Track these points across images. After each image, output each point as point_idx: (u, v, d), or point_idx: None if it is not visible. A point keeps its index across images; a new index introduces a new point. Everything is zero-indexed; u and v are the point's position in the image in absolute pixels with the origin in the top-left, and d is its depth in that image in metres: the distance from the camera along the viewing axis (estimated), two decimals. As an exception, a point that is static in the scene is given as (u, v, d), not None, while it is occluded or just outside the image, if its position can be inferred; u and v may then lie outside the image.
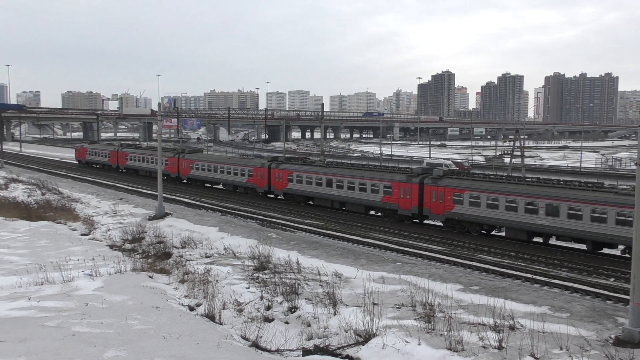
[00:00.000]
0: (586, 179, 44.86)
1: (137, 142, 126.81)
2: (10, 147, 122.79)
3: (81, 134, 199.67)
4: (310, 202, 49.12)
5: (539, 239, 33.23)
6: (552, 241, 32.86)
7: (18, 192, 57.52)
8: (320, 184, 46.74)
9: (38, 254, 30.31)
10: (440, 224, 38.78)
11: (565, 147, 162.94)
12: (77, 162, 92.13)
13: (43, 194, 56.05)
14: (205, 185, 61.42)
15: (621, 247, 29.41)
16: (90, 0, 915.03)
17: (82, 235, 38.25)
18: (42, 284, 22.74)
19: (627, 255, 27.10)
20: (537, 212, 31.71)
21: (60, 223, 41.53)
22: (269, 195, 52.72)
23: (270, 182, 51.50)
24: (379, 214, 43.48)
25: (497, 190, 34.42)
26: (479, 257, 29.42)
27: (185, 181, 64.07)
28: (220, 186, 60.08)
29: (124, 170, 76.07)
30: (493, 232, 36.27)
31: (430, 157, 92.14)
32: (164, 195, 45.59)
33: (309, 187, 47.97)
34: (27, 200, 50.97)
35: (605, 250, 30.12)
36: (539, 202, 31.75)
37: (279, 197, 51.75)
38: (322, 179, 46.63)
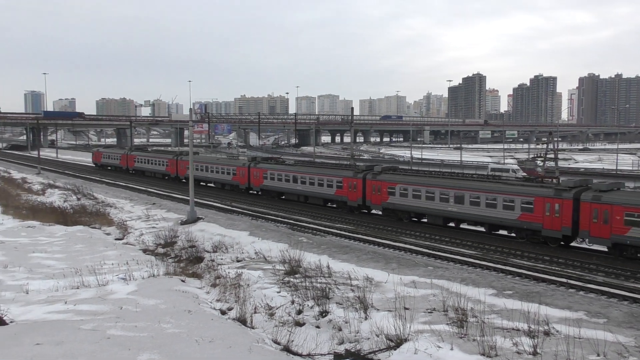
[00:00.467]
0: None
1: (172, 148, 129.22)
2: (46, 153, 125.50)
3: (115, 139, 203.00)
4: (282, 197, 53.93)
5: (452, 224, 39.03)
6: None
7: (54, 198, 58.71)
8: (289, 181, 52.35)
9: (74, 258, 30.88)
10: (380, 212, 44.30)
11: (586, 150, 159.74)
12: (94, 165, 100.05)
13: (78, 199, 57.09)
14: (201, 183, 65.21)
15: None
16: (122, 9, 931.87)
17: (116, 239, 38.82)
18: (77, 288, 23.14)
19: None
20: (448, 201, 37.85)
21: (95, 228, 42.22)
22: (250, 192, 58.70)
23: (250, 179, 57.55)
24: (334, 205, 48.67)
25: (419, 183, 40.47)
26: (512, 262, 28.99)
27: (183, 180, 67.46)
28: (212, 184, 65.78)
29: (132, 172, 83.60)
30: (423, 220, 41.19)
31: (497, 163, 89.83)
32: (195, 199, 46.03)
33: (280, 183, 53.67)
34: (63, 206, 51.98)
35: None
36: (449, 192, 37.84)
37: (258, 192, 57.47)
38: (289, 176, 52.35)
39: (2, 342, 15.03)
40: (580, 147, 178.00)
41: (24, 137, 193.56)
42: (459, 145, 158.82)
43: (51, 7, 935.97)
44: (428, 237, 35.87)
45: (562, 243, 32.57)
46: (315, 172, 50.45)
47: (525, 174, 61.89)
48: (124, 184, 69.75)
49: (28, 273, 26.94)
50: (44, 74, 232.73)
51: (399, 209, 41.89)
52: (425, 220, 41.07)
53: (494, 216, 35.16)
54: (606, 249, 30.68)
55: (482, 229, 37.28)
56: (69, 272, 26.03)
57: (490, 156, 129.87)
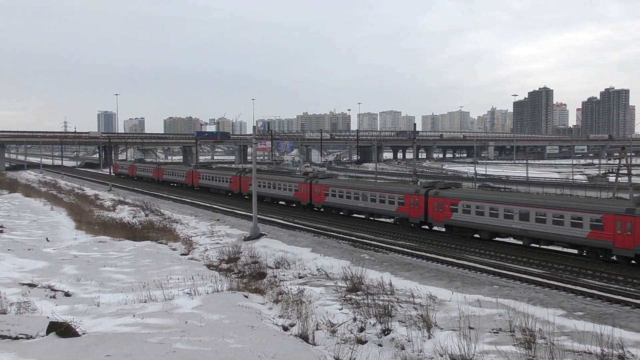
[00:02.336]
0: None
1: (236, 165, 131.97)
2: (118, 170, 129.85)
3: (181, 157, 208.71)
4: (341, 213, 53.97)
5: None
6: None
7: (124, 214, 60.74)
8: (350, 197, 52.35)
9: (142, 272, 31.76)
10: (442, 229, 43.70)
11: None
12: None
13: (146, 215, 58.84)
14: (264, 200, 64.88)
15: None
16: (191, 34, 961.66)
17: (181, 255, 39.66)
18: (145, 302, 23.72)
19: None
20: (512, 218, 36.97)
21: (161, 243, 43.32)
22: (312, 208, 58.95)
23: (312, 196, 57.83)
24: (397, 222, 48.22)
25: (482, 199, 39.93)
26: (583, 281, 27.89)
27: (246, 197, 68.97)
28: (275, 201, 66.31)
29: (197, 188, 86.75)
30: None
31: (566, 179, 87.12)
32: (258, 216, 46.61)
33: (341, 200, 53.56)
34: (132, 221, 53.69)
35: None
36: (514, 208, 37.01)
37: (320, 209, 57.94)
38: (351, 193, 52.35)
39: (75, 353, 15.55)
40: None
41: (97, 155, 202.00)
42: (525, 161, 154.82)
43: (122, 33, 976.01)
44: (493, 255, 35.05)
45: (633, 262, 31.06)
46: (377, 189, 50.60)
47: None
48: (189, 201, 71.49)
49: (99, 286, 27.87)
50: (116, 94, 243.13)
51: (462, 225, 41.13)
52: (490, 237, 39.96)
53: (561, 234, 33.95)
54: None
55: (550, 247, 36.17)
56: (137, 286, 26.77)
57: (558, 172, 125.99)
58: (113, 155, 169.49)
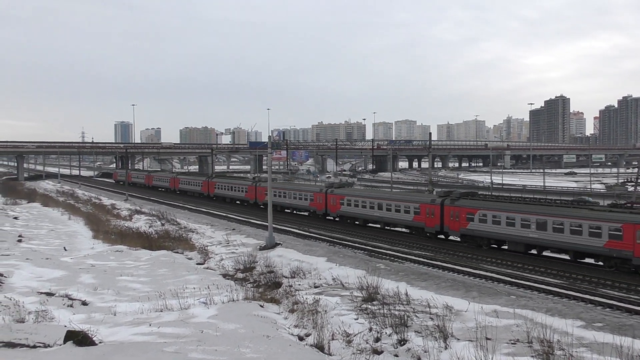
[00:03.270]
0: None
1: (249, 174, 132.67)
2: (133, 180, 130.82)
3: (197, 167, 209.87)
4: (356, 222, 54.25)
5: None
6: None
7: (141, 223, 61.13)
8: (365, 207, 52.46)
9: (158, 281, 31.91)
10: (458, 239, 43.47)
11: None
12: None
13: (163, 224, 59.17)
14: (279, 209, 63.88)
15: None
16: (203, 39, 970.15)
17: (197, 264, 39.80)
18: (161, 311, 23.81)
19: None
20: (529, 227, 36.69)
21: (177, 252, 43.50)
22: (327, 217, 59.54)
23: (327, 205, 58.35)
24: (413, 232, 48.42)
25: (499, 209, 39.43)
26: (602, 292, 27.52)
27: (262, 206, 69.50)
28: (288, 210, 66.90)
29: (214, 198, 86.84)
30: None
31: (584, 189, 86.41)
32: (274, 225, 46.65)
33: (356, 209, 53.88)
34: (149, 231, 54.00)
35: None
36: (531, 218, 36.57)
37: (335, 218, 58.23)
38: (366, 202, 52.56)
39: (92, 361, 15.65)
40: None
41: (114, 165, 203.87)
42: (572, 171, 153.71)
43: (139, 45, 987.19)
44: (510, 265, 34.75)
45: (440, 237, 32.84)
46: (393, 198, 50.85)
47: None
48: (205, 210, 71.83)
49: (116, 295, 28.04)
50: (133, 105, 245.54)
51: (478, 235, 40.86)
52: (505, 247, 39.75)
53: (579, 243, 33.64)
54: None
55: (567, 257, 35.79)
56: (153, 295, 26.88)
57: (576, 181, 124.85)
58: (130, 164, 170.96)
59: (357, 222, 54.57)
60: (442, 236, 45.62)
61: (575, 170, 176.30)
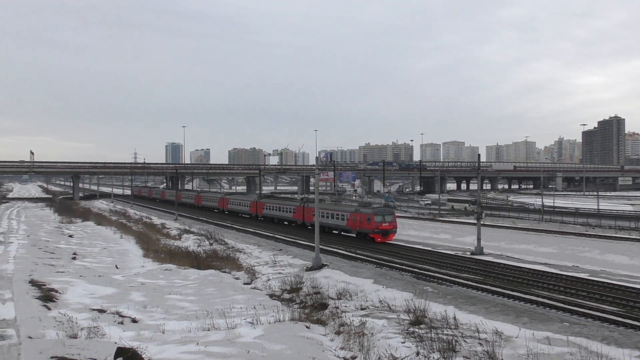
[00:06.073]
0: None
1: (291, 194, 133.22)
2: (183, 200, 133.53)
3: (245, 187, 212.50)
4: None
5: None
6: None
7: (189, 242, 62.09)
8: (324, 217, 64.97)
9: (205, 300, 32.25)
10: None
11: None
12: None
13: (211, 244, 59.93)
14: (326, 230, 65.71)
15: None
16: (252, 63, 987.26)
17: (244, 284, 40.05)
18: (208, 330, 24.04)
19: None
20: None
21: (225, 272, 43.91)
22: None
23: (305, 216, 72.87)
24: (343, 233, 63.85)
25: None
26: (661, 320, 26.34)
27: (309, 227, 71.70)
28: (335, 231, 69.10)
29: (261, 219, 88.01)
30: None
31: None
32: (320, 246, 46.67)
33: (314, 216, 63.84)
34: (197, 250, 54.77)
35: None
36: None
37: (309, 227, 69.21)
38: (324, 213, 65.36)
39: (141, 378, 15.91)
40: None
41: (164, 185, 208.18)
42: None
43: (189, 68, 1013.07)
44: (562, 291, 33.72)
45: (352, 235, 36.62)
46: (331, 208, 63.25)
47: None
48: (252, 230, 72.44)
49: (164, 314, 28.47)
50: (183, 127, 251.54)
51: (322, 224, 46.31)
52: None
53: (336, 223, 55.07)
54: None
55: (626, 284, 34.62)
56: (201, 314, 27.19)
57: (632, 204, 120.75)
58: (179, 185, 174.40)
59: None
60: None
61: (631, 193, 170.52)
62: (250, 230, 73.13)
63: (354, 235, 61.14)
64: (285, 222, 79.42)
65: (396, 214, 66.41)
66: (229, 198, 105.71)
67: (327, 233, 64.74)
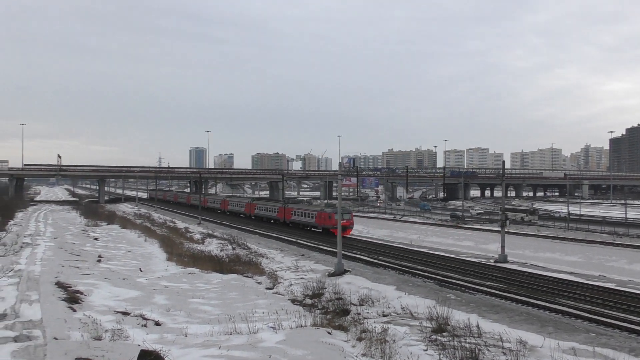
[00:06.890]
0: None
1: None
2: (209, 204, 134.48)
3: (268, 192, 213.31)
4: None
5: None
6: None
7: (212, 247, 62.46)
8: (296, 215, 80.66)
9: (228, 305, 32.39)
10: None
11: None
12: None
13: (233, 248, 60.21)
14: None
15: None
16: (276, 68, 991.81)
17: (266, 289, 40.12)
18: (230, 334, 24.12)
19: None
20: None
21: (247, 276, 44.05)
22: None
23: (285, 215, 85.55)
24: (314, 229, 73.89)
25: None
26: (691, 332, 25.78)
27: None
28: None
29: (290, 224, 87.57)
30: None
31: None
32: (342, 252, 46.59)
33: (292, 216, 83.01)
34: (220, 254, 55.05)
35: None
36: None
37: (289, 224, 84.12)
38: (296, 212, 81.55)
39: (163, 381, 16.04)
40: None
41: (188, 190, 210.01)
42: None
43: (213, 74, 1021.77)
44: (589, 301, 33.17)
45: (319, 230, 39.46)
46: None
47: None
48: (275, 235, 72.63)
49: (187, 317, 28.66)
50: (207, 131, 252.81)
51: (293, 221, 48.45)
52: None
53: (306, 221, 66.78)
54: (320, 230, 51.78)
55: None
56: (223, 318, 27.30)
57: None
58: (203, 189, 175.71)
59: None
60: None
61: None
62: (273, 235, 73.32)
63: (320, 230, 74.07)
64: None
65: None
66: (256, 203, 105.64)
67: (327, 234, 70.25)
